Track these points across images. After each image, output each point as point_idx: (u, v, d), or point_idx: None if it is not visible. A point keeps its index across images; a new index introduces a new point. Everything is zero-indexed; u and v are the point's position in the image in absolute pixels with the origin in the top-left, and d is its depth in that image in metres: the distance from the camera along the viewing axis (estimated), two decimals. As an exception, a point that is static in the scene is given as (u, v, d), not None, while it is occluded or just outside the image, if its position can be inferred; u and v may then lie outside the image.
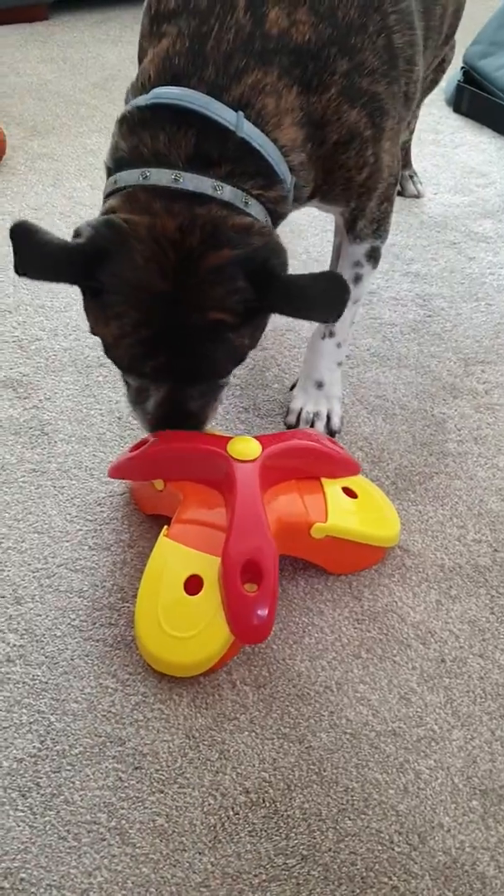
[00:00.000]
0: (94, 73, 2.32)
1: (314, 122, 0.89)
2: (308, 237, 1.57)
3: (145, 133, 0.84)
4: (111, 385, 1.21)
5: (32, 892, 0.69)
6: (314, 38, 0.87)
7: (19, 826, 0.73)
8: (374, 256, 1.10)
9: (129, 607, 0.91)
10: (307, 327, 1.34)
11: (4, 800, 0.75)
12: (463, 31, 2.52)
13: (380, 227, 1.07)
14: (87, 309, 0.89)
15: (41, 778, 0.76)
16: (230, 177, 0.84)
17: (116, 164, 0.87)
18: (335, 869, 0.72)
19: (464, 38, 2.29)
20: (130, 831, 0.73)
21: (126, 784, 0.76)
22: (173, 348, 0.84)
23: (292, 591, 0.94)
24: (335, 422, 1.15)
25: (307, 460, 0.95)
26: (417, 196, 1.73)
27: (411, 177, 1.76)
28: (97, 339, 0.92)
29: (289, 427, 1.16)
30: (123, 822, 0.74)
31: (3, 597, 0.91)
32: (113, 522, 1.01)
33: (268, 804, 0.76)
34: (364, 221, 1.05)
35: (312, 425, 1.14)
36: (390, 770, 0.79)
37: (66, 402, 1.18)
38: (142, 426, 0.98)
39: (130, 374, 0.90)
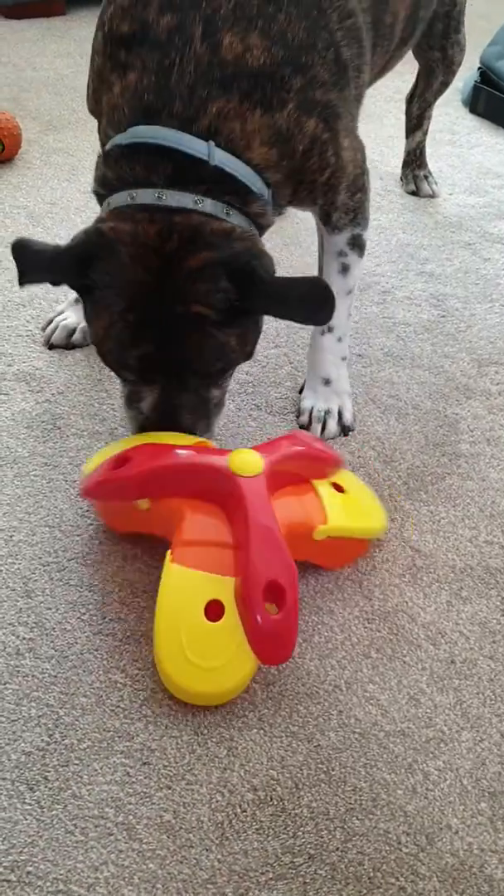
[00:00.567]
0: (110, 68, 2.31)
1: (283, 137, 0.93)
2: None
3: (125, 164, 0.90)
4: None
5: (39, 886, 0.69)
6: (268, 60, 0.91)
7: (26, 819, 0.73)
8: (357, 244, 1.11)
9: (139, 602, 0.91)
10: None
11: (12, 793, 0.75)
12: (480, 32, 2.51)
13: (356, 216, 1.09)
14: (84, 312, 0.94)
15: (49, 772, 0.76)
16: (208, 194, 0.89)
17: (107, 189, 0.93)
18: (342, 868, 0.72)
19: (481, 40, 2.28)
20: (138, 827, 0.73)
21: (134, 779, 0.76)
22: (158, 338, 0.88)
23: (302, 590, 0.94)
24: (347, 417, 1.15)
25: (302, 464, 0.94)
26: (432, 196, 1.73)
27: (426, 177, 1.76)
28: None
29: (302, 427, 1.15)
30: (131, 817, 0.74)
31: (14, 590, 0.91)
32: (124, 517, 1.01)
33: (275, 802, 0.76)
34: (338, 213, 1.07)
35: (324, 423, 1.13)
36: (399, 770, 0.78)
37: (79, 396, 1.18)
38: (130, 428, 0.98)
39: (118, 366, 0.93)
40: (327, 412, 1.15)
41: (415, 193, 1.74)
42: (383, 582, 0.95)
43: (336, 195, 1.04)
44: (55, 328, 1.27)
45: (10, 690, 0.82)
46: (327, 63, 0.97)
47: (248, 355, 0.96)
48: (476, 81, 2.09)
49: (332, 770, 0.78)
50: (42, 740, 0.78)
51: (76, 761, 0.77)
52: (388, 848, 0.73)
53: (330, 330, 1.13)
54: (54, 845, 0.72)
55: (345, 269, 1.11)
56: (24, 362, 1.24)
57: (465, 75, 2.18)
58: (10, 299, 1.37)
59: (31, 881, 0.69)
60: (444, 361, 1.27)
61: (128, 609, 0.90)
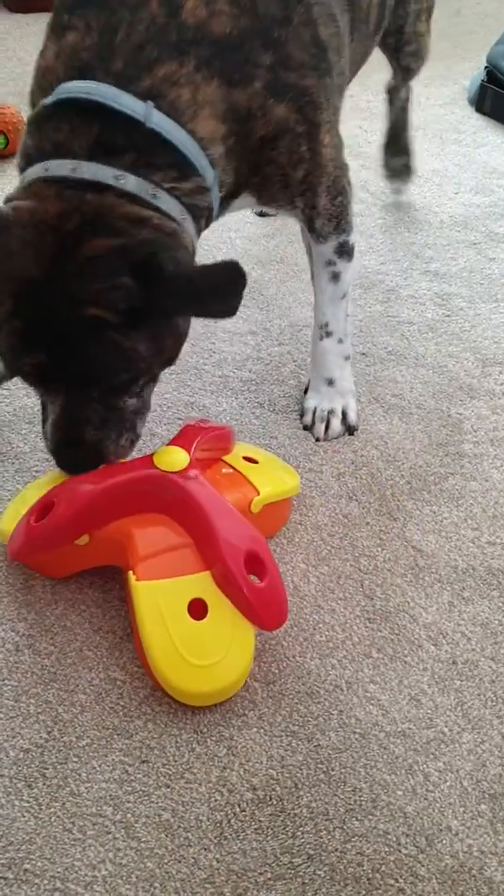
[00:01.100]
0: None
1: (238, 116, 0.85)
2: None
3: (48, 127, 0.81)
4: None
5: (36, 884, 0.69)
6: (235, 30, 0.83)
7: (24, 816, 0.73)
8: (344, 251, 1.06)
9: (139, 600, 0.90)
10: (324, 324, 1.33)
11: (10, 790, 0.74)
12: (487, 31, 2.50)
13: (340, 223, 1.03)
14: None
15: (47, 769, 0.76)
16: (136, 167, 0.80)
17: (25, 161, 0.84)
18: (341, 869, 0.71)
19: (488, 38, 2.27)
20: (136, 825, 0.73)
21: (132, 777, 0.76)
22: (49, 344, 0.79)
23: (304, 588, 0.93)
24: (352, 417, 1.14)
25: (212, 445, 0.94)
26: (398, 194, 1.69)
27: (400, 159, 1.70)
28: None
29: (305, 428, 1.14)
30: (129, 815, 0.73)
31: (14, 585, 0.91)
32: (125, 514, 1.00)
33: (275, 802, 0.75)
34: (321, 220, 1.01)
35: (328, 423, 1.13)
36: (399, 771, 0.78)
37: (81, 392, 1.17)
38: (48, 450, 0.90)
39: (13, 371, 0.84)
40: (331, 412, 1.13)
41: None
42: (385, 581, 0.95)
43: (316, 198, 0.98)
44: None
45: (9, 686, 0.82)
46: (304, 43, 0.89)
47: (168, 362, 0.86)
48: (482, 80, 2.08)
49: (332, 770, 0.78)
50: (41, 737, 0.78)
51: (75, 758, 0.77)
52: (387, 849, 0.73)
53: (329, 334, 1.11)
54: (52, 843, 0.71)
55: (335, 277, 1.07)
56: (26, 357, 1.23)
57: (472, 74, 2.17)
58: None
59: (28, 879, 0.69)
60: (448, 361, 1.27)
61: (127, 608, 0.89)
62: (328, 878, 0.71)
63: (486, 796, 0.76)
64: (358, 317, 1.35)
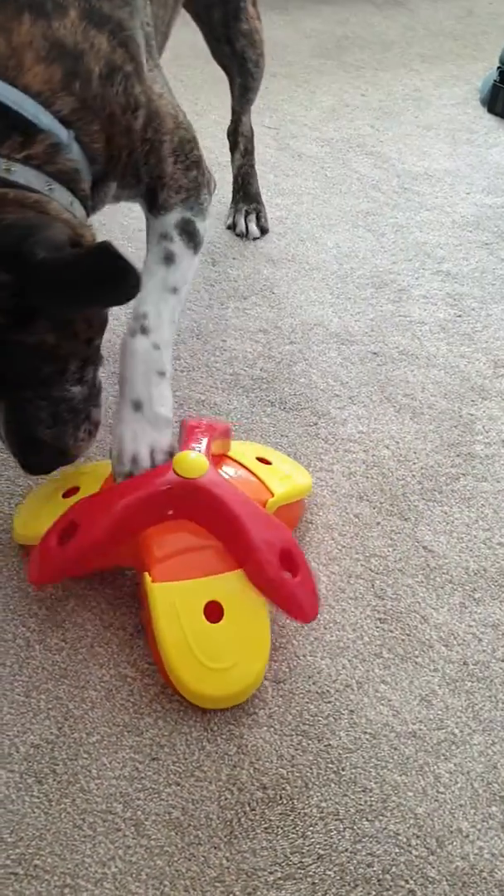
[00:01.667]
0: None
1: (68, 52, 0.75)
2: (338, 231, 1.56)
3: None
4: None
5: (46, 880, 0.68)
6: None
7: (34, 812, 0.73)
8: (187, 230, 0.89)
9: (149, 597, 0.90)
10: (336, 322, 1.33)
11: (20, 785, 0.74)
12: (500, 31, 2.50)
13: (190, 197, 0.89)
14: None
15: (57, 765, 0.76)
16: None
17: None
18: (351, 870, 0.71)
19: (501, 38, 2.27)
20: (146, 823, 0.73)
21: (143, 775, 0.76)
22: None
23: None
24: (159, 458, 0.87)
25: (217, 444, 0.92)
26: (245, 236, 1.50)
27: (248, 213, 1.51)
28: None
29: (119, 476, 0.88)
30: (139, 812, 0.73)
31: (24, 580, 0.91)
32: (136, 511, 1.00)
33: (285, 801, 0.75)
34: (167, 191, 0.88)
35: (134, 467, 0.87)
36: (409, 772, 0.78)
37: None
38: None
39: None
40: (133, 460, 0.86)
41: (230, 229, 1.52)
42: (396, 582, 0.94)
43: (162, 163, 0.86)
44: None
45: (20, 682, 0.82)
46: None
47: (91, 342, 0.78)
48: (495, 81, 2.08)
49: (343, 770, 0.77)
50: (51, 733, 0.78)
51: (85, 755, 0.77)
52: (397, 850, 0.72)
53: (143, 330, 0.87)
54: (62, 839, 0.71)
55: (168, 259, 0.88)
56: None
57: (484, 75, 2.16)
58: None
59: (38, 874, 0.69)
60: (459, 361, 1.26)
61: (139, 603, 0.89)
62: (338, 878, 0.70)
63: (497, 798, 0.76)
64: (369, 316, 1.35)
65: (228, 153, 1.56)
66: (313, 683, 0.84)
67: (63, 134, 0.76)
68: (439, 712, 0.82)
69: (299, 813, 0.74)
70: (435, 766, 0.78)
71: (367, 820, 0.74)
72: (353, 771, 0.77)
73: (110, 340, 0.95)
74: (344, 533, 1.00)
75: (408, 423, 1.15)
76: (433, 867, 0.71)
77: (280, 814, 0.74)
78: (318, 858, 0.72)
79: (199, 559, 0.83)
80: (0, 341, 0.72)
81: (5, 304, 0.70)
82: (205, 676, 0.78)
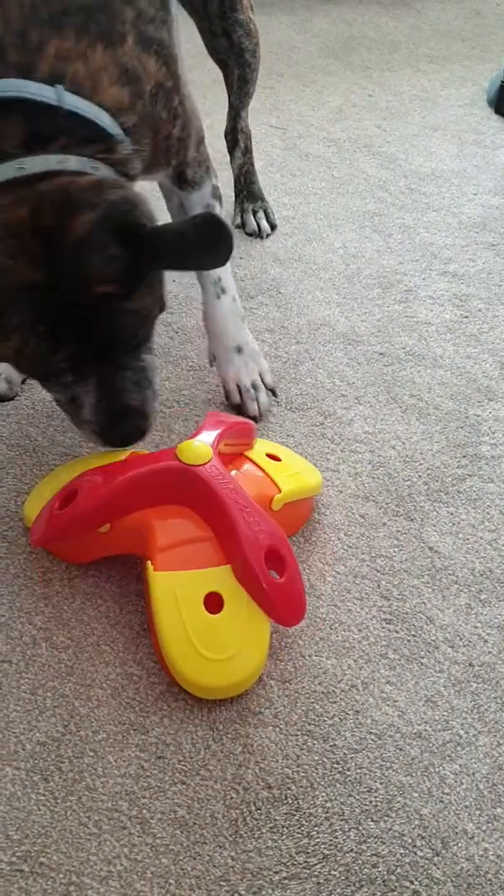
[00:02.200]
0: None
1: (131, 76, 0.86)
2: (345, 231, 1.56)
3: None
4: (144, 372, 1.20)
5: (51, 878, 0.69)
6: None
7: (40, 810, 0.73)
8: (217, 195, 1.08)
9: (155, 595, 0.90)
10: (342, 322, 1.33)
11: (26, 782, 0.74)
12: (508, 31, 2.50)
13: (208, 168, 1.05)
14: None
15: (63, 762, 0.76)
16: (69, 148, 0.81)
17: None
18: (356, 870, 0.71)
19: (509, 39, 2.27)
20: (151, 821, 0.73)
21: (148, 773, 0.76)
22: (76, 334, 0.81)
23: (320, 587, 0.93)
24: (269, 380, 1.15)
25: (234, 440, 0.94)
26: (258, 235, 1.53)
27: (255, 211, 1.55)
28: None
29: (236, 408, 1.13)
30: (145, 811, 0.73)
31: (31, 578, 0.91)
32: (142, 510, 1.00)
33: (290, 801, 0.75)
34: (192, 169, 1.02)
35: (257, 400, 1.13)
36: (415, 773, 0.78)
37: (99, 386, 1.17)
38: (94, 443, 0.92)
39: (51, 377, 0.86)
40: (255, 386, 1.13)
41: (240, 228, 1.54)
42: (402, 583, 0.94)
43: (187, 151, 0.99)
44: None
45: (27, 679, 0.82)
46: None
47: (161, 302, 0.88)
48: (502, 82, 2.08)
49: (348, 770, 0.77)
50: (57, 730, 0.78)
51: (91, 753, 0.77)
52: (402, 851, 0.72)
53: (223, 291, 1.09)
54: (67, 837, 0.71)
55: None
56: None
57: (491, 76, 2.16)
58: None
59: (43, 872, 0.69)
60: (466, 362, 1.26)
61: (145, 602, 0.89)
62: (343, 878, 0.70)
63: (503, 800, 0.76)
64: (376, 316, 1.35)
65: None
66: (319, 683, 0.84)
67: (129, 145, 0.86)
68: (445, 713, 0.82)
69: (304, 813, 0.74)
70: (440, 768, 0.78)
71: (373, 820, 0.74)
72: (359, 771, 0.77)
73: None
74: (350, 533, 1.00)
75: (414, 424, 1.15)
76: (438, 868, 0.71)
77: (285, 813, 0.74)
78: (323, 858, 0.72)
79: (202, 550, 0.83)
80: (114, 308, 0.81)
81: (117, 276, 0.79)
82: (203, 667, 0.78)
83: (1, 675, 0.82)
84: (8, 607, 0.88)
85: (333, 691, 0.83)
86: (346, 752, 0.79)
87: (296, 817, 0.74)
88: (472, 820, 0.75)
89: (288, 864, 0.71)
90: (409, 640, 0.89)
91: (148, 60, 0.88)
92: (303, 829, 0.73)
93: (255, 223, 1.53)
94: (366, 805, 0.75)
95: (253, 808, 0.74)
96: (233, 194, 1.58)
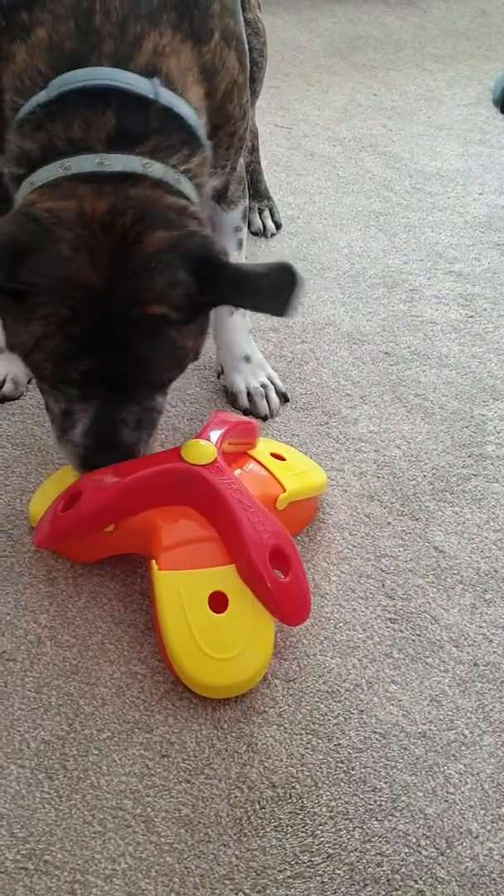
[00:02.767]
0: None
1: (208, 74, 0.84)
2: (351, 231, 1.56)
3: (57, 125, 0.77)
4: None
5: (56, 875, 0.69)
6: None
7: (44, 808, 0.73)
8: (245, 215, 1.10)
9: (160, 594, 0.90)
10: (347, 322, 1.33)
11: (31, 781, 0.74)
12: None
13: (245, 185, 1.07)
14: (2, 312, 0.79)
15: (68, 761, 0.76)
16: (157, 151, 0.78)
17: (26, 165, 0.79)
18: (361, 869, 0.71)
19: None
20: (156, 819, 0.73)
21: (153, 772, 0.76)
22: (106, 348, 0.76)
23: (325, 587, 0.93)
24: (279, 384, 1.17)
25: (238, 440, 0.94)
26: (262, 234, 1.52)
27: (261, 210, 1.54)
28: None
29: (244, 410, 1.14)
30: (149, 809, 0.73)
31: (36, 577, 0.91)
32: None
33: (294, 800, 0.75)
34: (234, 184, 1.02)
35: (267, 398, 1.15)
36: (419, 772, 0.78)
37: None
38: (71, 464, 0.88)
39: (55, 380, 0.80)
40: (264, 386, 1.15)
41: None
42: (406, 582, 0.94)
43: (240, 156, 0.98)
44: None
45: (31, 678, 0.82)
46: None
47: (198, 355, 0.84)
48: (508, 81, 2.08)
49: (352, 770, 0.77)
50: (62, 729, 0.78)
51: (95, 751, 0.77)
52: (407, 850, 0.72)
53: (235, 308, 1.11)
54: (72, 835, 0.71)
55: (240, 244, 1.09)
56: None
57: (497, 75, 2.16)
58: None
59: (48, 870, 0.69)
60: (471, 362, 1.26)
61: (150, 601, 0.89)
62: (347, 877, 0.70)
63: (508, 800, 0.76)
64: (381, 315, 1.35)
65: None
66: (323, 683, 0.84)
67: (208, 147, 0.85)
68: (449, 713, 0.82)
69: (309, 812, 0.74)
70: (445, 767, 0.78)
71: (377, 820, 0.74)
72: (363, 770, 0.77)
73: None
74: (354, 532, 0.99)
75: (419, 424, 1.15)
76: (443, 868, 0.71)
77: (290, 812, 0.74)
78: (327, 857, 0.72)
79: (206, 550, 0.83)
80: (160, 335, 0.78)
81: (178, 300, 0.76)
82: (207, 666, 0.78)
83: (6, 673, 0.82)
84: (13, 605, 0.88)
85: (338, 690, 0.83)
86: (351, 751, 0.79)
87: (300, 816, 0.74)
88: (477, 819, 0.74)
89: (292, 862, 0.71)
90: (413, 640, 0.88)
91: (229, 55, 0.86)
92: (307, 827, 0.73)
93: (260, 222, 1.53)
94: (370, 804, 0.75)
95: (257, 806, 0.74)
96: (238, 194, 1.58)
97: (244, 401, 1.15)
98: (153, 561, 0.82)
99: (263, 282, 0.77)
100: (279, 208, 1.58)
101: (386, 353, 1.27)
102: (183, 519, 0.85)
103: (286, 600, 0.81)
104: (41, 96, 0.78)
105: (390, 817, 0.74)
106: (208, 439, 0.89)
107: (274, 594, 0.80)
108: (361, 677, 0.85)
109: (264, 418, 1.14)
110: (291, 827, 0.73)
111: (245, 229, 1.10)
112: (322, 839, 0.73)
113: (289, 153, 1.81)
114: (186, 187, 0.81)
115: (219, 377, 1.20)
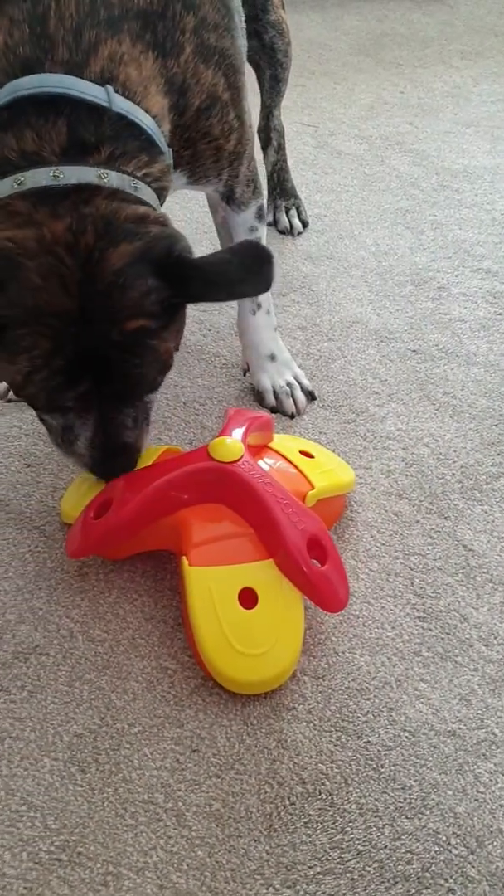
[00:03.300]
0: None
1: (176, 89, 0.83)
2: (377, 228, 1.55)
3: (8, 136, 0.75)
4: (176, 369, 1.21)
5: (89, 867, 0.69)
6: None
7: (77, 801, 0.74)
8: (261, 214, 1.08)
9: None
10: (375, 319, 1.33)
11: (64, 773, 0.75)
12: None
13: (257, 186, 1.05)
14: None
15: (100, 754, 0.77)
16: (112, 160, 0.77)
17: None
18: (391, 867, 0.71)
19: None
20: (187, 814, 0.73)
21: (183, 766, 0.76)
22: (94, 372, 0.77)
23: (353, 585, 0.93)
24: (305, 383, 1.17)
25: (258, 434, 0.95)
26: (289, 233, 1.54)
27: (288, 208, 1.56)
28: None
29: (271, 408, 1.15)
30: (180, 804, 0.74)
31: (68, 572, 0.92)
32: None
33: (324, 796, 0.75)
34: (241, 187, 1.02)
35: (293, 396, 1.15)
36: (449, 771, 0.78)
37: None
38: (77, 467, 0.89)
39: (50, 412, 0.82)
40: (290, 385, 1.15)
41: (272, 225, 1.55)
42: (435, 581, 0.94)
43: (241, 166, 0.97)
44: None
45: (64, 672, 0.83)
46: (213, 2, 0.85)
47: (178, 348, 0.85)
48: (536, 77, 2.07)
49: (382, 767, 0.77)
50: (94, 723, 0.79)
51: (127, 745, 0.77)
52: (437, 848, 0.72)
53: (259, 306, 1.12)
54: (104, 828, 0.72)
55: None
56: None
57: (525, 71, 2.14)
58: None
59: (81, 861, 0.70)
60: (500, 360, 1.25)
61: (179, 597, 0.90)
62: (377, 874, 0.71)
63: (538, 799, 0.76)
64: (408, 313, 1.34)
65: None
66: (352, 680, 0.84)
67: (169, 155, 0.84)
68: (479, 712, 0.82)
69: (339, 809, 0.75)
70: (475, 766, 0.78)
71: (407, 817, 0.74)
72: (393, 768, 0.77)
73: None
74: (383, 531, 0.99)
75: (447, 422, 1.15)
76: (473, 867, 0.71)
77: (319, 809, 0.74)
78: (357, 854, 0.72)
79: (236, 546, 0.84)
80: (143, 346, 0.78)
81: (153, 309, 0.76)
82: (237, 662, 0.79)
83: (39, 667, 0.83)
84: (46, 601, 0.89)
85: (367, 688, 0.83)
86: (380, 748, 0.79)
87: (330, 813, 0.74)
88: (507, 819, 0.74)
89: (322, 858, 0.71)
90: (442, 638, 0.88)
91: (204, 72, 0.85)
92: (337, 824, 0.73)
93: (287, 220, 1.53)
94: (400, 802, 0.75)
95: (287, 802, 0.75)
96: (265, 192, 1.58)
97: (271, 399, 1.15)
98: (184, 557, 0.82)
99: (232, 267, 0.76)
100: (306, 206, 1.58)
101: (414, 350, 1.27)
102: (213, 515, 0.85)
103: (326, 588, 0.82)
104: None
105: (420, 815, 0.74)
106: (234, 436, 0.89)
107: (314, 583, 0.81)
108: (390, 675, 0.85)
109: (291, 416, 1.14)
110: (321, 823, 0.73)
111: (263, 228, 1.08)
112: (352, 836, 0.73)
113: (315, 151, 1.81)
114: (145, 193, 0.79)
115: (244, 374, 1.20)
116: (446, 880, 0.70)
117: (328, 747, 0.79)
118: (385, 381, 1.21)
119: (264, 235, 1.10)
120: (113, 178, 0.76)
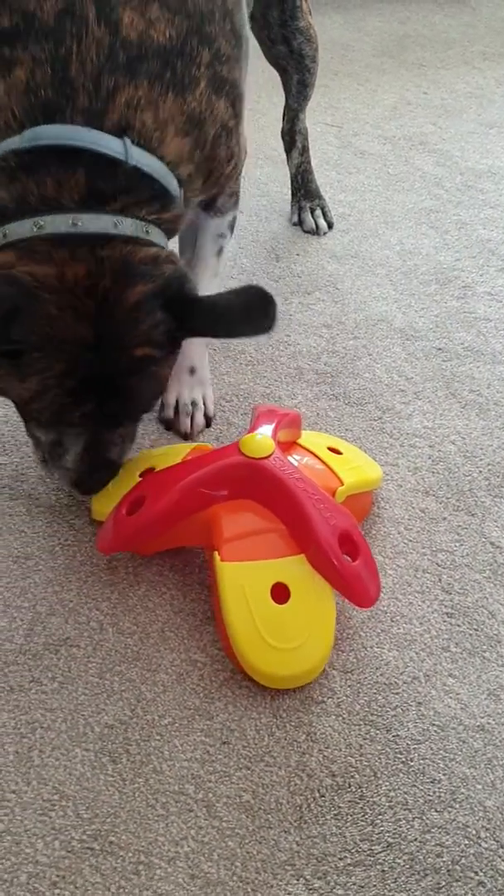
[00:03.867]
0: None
1: (195, 123, 0.85)
2: (402, 228, 1.55)
3: (30, 181, 0.78)
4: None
5: (121, 856, 0.70)
6: (174, 33, 0.82)
7: (109, 790, 0.74)
8: (233, 225, 1.09)
9: (218, 585, 0.91)
10: (400, 318, 1.33)
11: (95, 763, 0.76)
12: None
13: (237, 199, 1.06)
14: None
15: (131, 745, 0.77)
16: (126, 208, 0.80)
17: (0, 214, 0.80)
18: (421, 859, 0.71)
19: None
20: (217, 805, 0.74)
21: (214, 758, 0.77)
22: (100, 393, 0.82)
23: (381, 581, 0.93)
24: (210, 407, 1.13)
25: (287, 431, 0.95)
26: (315, 233, 1.54)
27: (313, 209, 1.56)
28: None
29: (165, 422, 1.12)
30: (210, 795, 0.74)
31: (97, 565, 0.93)
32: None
33: (354, 789, 0.75)
34: (224, 197, 1.02)
35: (192, 416, 1.11)
36: (478, 765, 0.78)
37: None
38: (61, 483, 0.94)
39: (53, 426, 0.85)
40: (193, 403, 1.12)
41: (297, 225, 1.56)
42: (463, 577, 0.94)
43: (230, 184, 0.99)
44: None
45: (94, 663, 0.83)
46: (227, 34, 0.87)
47: (170, 375, 0.90)
48: None
49: (411, 761, 0.78)
50: (125, 714, 0.79)
51: (157, 737, 0.78)
52: (466, 842, 0.72)
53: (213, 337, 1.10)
54: (136, 817, 0.73)
55: (220, 252, 1.09)
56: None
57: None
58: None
59: (113, 851, 0.70)
60: (525, 359, 1.25)
61: (208, 591, 0.91)
62: (408, 867, 0.71)
63: None
64: (434, 312, 1.35)
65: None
66: (381, 675, 0.84)
67: (181, 199, 0.86)
68: (508, 707, 0.82)
69: (368, 801, 0.75)
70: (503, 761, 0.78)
71: (436, 811, 0.74)
72: (422, 762, 0.78)
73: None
74: (410, 527, 1.00)
75: (474, 420, 1.15)
76: (503, 860, 0.71)
77: (349, 801, 0.75)
78: (387, 847, 0.72)
79: (268, 541, 0.84)
80: (146, 372, 0.83)
81: (159, 339, 0.82)
82: (270, 656, 0.79)
83: (70, 659, 0.84)
84: (76, 593, 0.90)
85: (395, 683, 0.84)
86: (409, 742, 0.79)
87: (359, 805, 0.74)
88: (537, 814, 0.74)
89: (352, 850, 0.72)
90: (470, 634, 0.88)
91: (217, 102, 0.87)
92: (367, 817, 0.74)
93: (312, 221, 1.54)
94: (429, 795, 0.75)
95: (317, 794, 0.75)
96: (289, 193, 1.59)
97: (169, 412, 1.12)
98: (215, 553, 0.83)
99: (234, 309, 0.81)
100: (330, 206, 1.59)
101: (439, 349, 1.27)
102: (244, 511, 0.86)
103: (357, 583, 0.83)
104: (15, 141, 0.79)
105: (449, 809, 0.75)
106: (264, 432, 0.90)
107: (345, 578, 0.81)
108: (419, 670, 0.85)
109: (184, 436, 1.11)
110: (351, 816, 0.74)
111: (229, 238, 1.08)
112: (382, 828, 0.73)
113: (339, 152, 1.81)
114: (156, 236, 0.83)
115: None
116: (476, 873, 0.71)
117: (357, 741, 0.79)
118: (411, 378, 1.21)
119: (228, 245, 1.09)
120: (127, 225, 0.80)
